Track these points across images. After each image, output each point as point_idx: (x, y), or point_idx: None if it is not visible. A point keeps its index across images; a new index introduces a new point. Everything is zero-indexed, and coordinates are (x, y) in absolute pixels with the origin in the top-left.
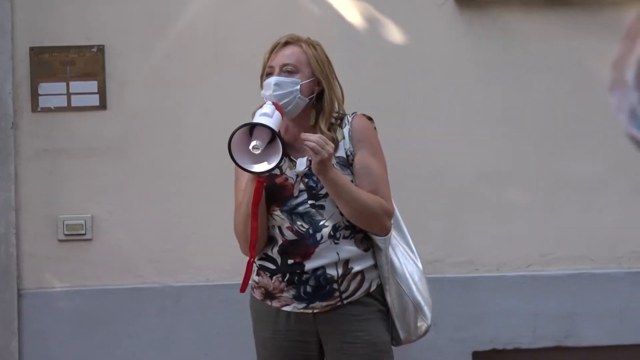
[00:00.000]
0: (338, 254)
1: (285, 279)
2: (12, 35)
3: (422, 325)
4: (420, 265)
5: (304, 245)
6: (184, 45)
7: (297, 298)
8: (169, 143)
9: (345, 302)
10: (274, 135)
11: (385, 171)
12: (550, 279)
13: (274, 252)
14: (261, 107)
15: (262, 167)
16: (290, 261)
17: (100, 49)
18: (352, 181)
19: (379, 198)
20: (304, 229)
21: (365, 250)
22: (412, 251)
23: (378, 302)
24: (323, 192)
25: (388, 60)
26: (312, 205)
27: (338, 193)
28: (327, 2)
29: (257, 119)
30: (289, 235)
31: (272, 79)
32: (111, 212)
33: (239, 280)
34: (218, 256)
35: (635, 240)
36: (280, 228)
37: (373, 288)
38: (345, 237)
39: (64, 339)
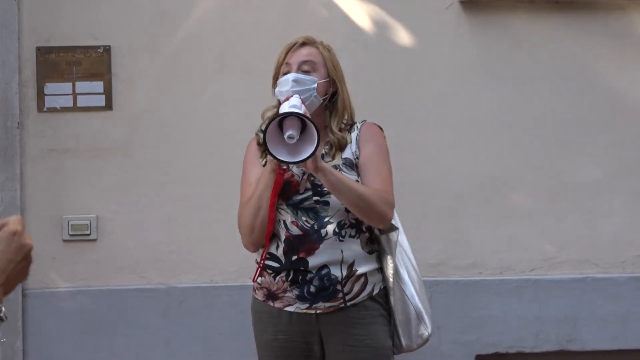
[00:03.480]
0: (342, 251)
1: (289, 279)
2: (19, 35)
3: (424, 333)
4: (419, 273)
5: (308, 241)
6: (190, 46)
7: (301, 298)
8: (175, 144)
9: (348, 304)
10: (303, 125)
11: (389, 172)
12: (554, 283)
13: (279, 251)
14: (286, 100)
15: (297, 156)
16: (294, 257)
17: (107, 49)
18: (357, 181)
19: (377, 189)
20: (308, 225)
21: (370, 252)
22: (411, 259)
23: (380, 306)
24: (326, 188)
25: (393, 63)
26: (316, 202)
27: (332, 183)
28: (333, 4)
29: (287, 110)
30: (294, 230)
31: (291, 75)
32: (116, 213)
33: (243, 281)
34: (222, 257)
35: (639, 245)
36: (285, 222)
37: (376, 292)
38: (351, 236)
39: (68, 339)
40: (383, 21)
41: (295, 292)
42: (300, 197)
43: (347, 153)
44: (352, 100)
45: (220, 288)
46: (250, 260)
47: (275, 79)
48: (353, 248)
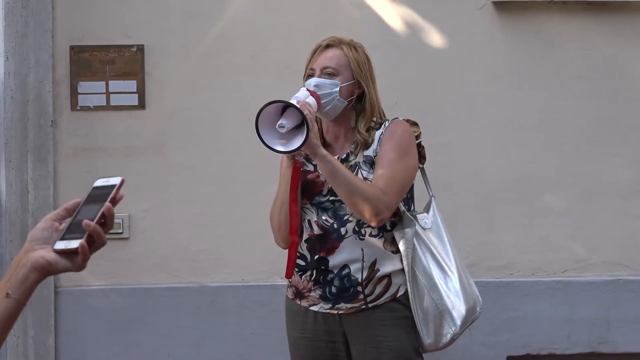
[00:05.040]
0: (362, 250)
1: (312, 278)
2: (53, 33)
3: (448, 333)
4: (455, 274)
5: (329, 240)
6: (222, 46)
7: (324, 298)
8: (207, 143)
9: (370, 305)
10: (303, 121)
11: (401, 172)
12: (586, 285)
13: (304, 249)
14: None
15: (284, 147)
16: (316, 256)
17: (140, 48)
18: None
19: (377, 186)
20: (328, 224)
21: (394, 252)
22: (449, 260)
23: (405, 308)
24: None
25: (426, 63)
26: (332, 202)
27: (327, 171)
28: (365, 5)
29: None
30: (316, 230)
31: (312, 80)
32: (148, 212)
33: (275, 281)
34: (254, 257)
35: None
36: (309, 222)
37: (400, 293)
38: (372, 235)
39: (99, 337)
40: (415, 22)
41: (319, 291)
42: (323, 198)
43: (370, 151)
44: (384, 100)
45: (251, 287)
46: (282, 259)
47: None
48: (374, 247)
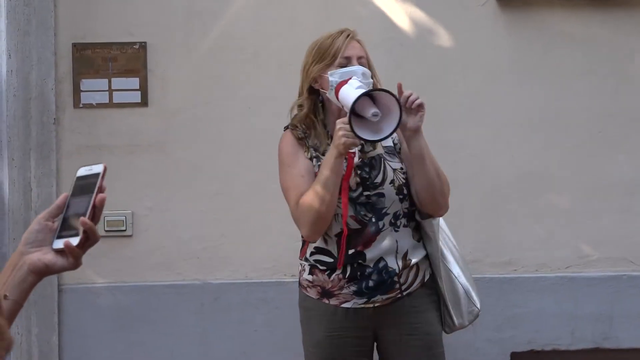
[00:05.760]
0: (397, 242)
1: (347, 275)
2: (55, 31)
3: (474, 309)
4: (460, 252)
5: (366, 234)
6: (225, 43)
7: (358, 294)
8: (210, 140)
9: (404, 294)
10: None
11: None
12: (589, 281)
13: (329, 245)
14: (344, 83)
15: (379, 134)
16: (351, 251)
17: (142, 45)
18: (402, 168)
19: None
20: (367, 218)
21: (418, 240)
22: (451, 239)
23: (432, 292)
24: (378, 180)
25: (429, 60)
26: (367, 197)
27: (425, 154)
28: (369, 2)
29: (359, 89)
30: (352, 224)
31: (359, 68)
32: (151, 209)
33: (278, 278)
34: (257, 254)
35: None
36: (341, 216)
37: (427, 278)
38: (404, 226)
39: (103, 334)
40: (418, 18)
41: (353, 288)
42: (355, 193)
43: (388, 141)
44: None
45: (255, 284)
46: (285, 256)
47: (321, 64)
48: (406, 237)
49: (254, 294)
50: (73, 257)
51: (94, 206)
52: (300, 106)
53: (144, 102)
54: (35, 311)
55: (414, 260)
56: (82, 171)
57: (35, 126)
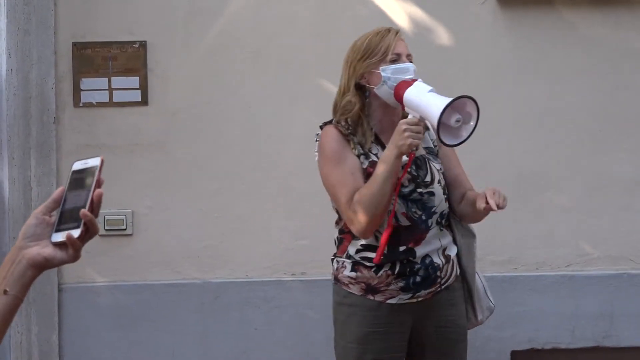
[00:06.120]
0: (440, 240)
1: (396, 272)
2: (55, 30)
3: (490, 305)
4: None
5: (417, 231)
6: (225, 42)
7: (405, 289)
8: (210, 139)
9: (442, 287)
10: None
11: None
12: (590, 279)
13: (379, 241)
14: (407, 85)
15: (457, 138)
16: (402, 247)
17: (142, 44)
18: (440, 169)
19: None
20: (417, 215)
21: (452, 237)
22: None
23: (461, 286)
24: (428, 179)
25: (429, 58)
26: (420, 194)
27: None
28: (368, 1)
29: (437, 95)
30: (403, 221)
31: (411, 65)
32: (151, 208)
33: (278, 277)
34: (257, 253)
35: None
36: (395, 213)
37: (458, 272)
38: (444, 225)
39: (103, 334)
40: (419, 17)
41: (400, 284)
42: (407, 189)
43: (427, 142)
44: None
45: (255, 283)
46: (286, 255)
47: (371, 60)
48: (446, 234)
49: (254, 292)
50: (73, 250)
51: (92, 200)
52: (348, 102)
53: (144, 101)
54: (35, 310)
55: (452, 255)
56: (78, 165)
57: (35, 125)
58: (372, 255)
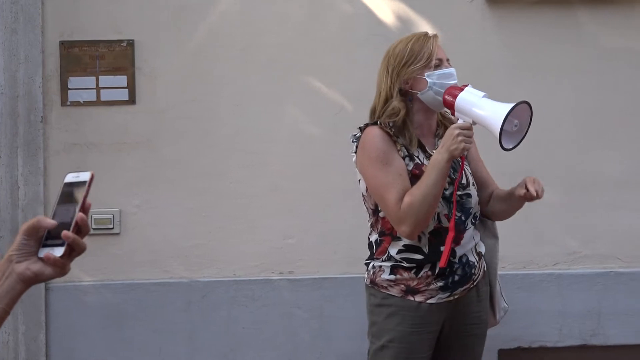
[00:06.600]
0: (474, 238)
1: (436, 272)
2: (42, 29)
3: (505, 306)
4: None
5: (457, 232)
6: (213, 41)
7: (444, 288)
8: (198, 138)
9: (475, 284)
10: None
11: None
12: (577, 278)
13: (422, 242)
14: (459, 90)
15: (512, 141)
16: (442, 247)
17: (130, 43)
18: (470, 171)
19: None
20: (457, 216)
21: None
22: None
23: (486, 282)
24: (464, 181)
25: None
26: (459, 196)
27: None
28: None
29: (491, 100)
30: (445, 223)
31: (453, 70)
32: (139, 207)
33: (266, 276)
34: (245, 251)
35: None
36: (438, 214)
37: (485, 268)
38: (477, 224)
39: (90, 333)
40: (406, 15)
41: (440, 284)
42: (448, 191)
43: None
44: (373, 94)
45: (242, 282)
46: (273, 254)
47: (416, 66)
48: (477, 232)
49: (242, 291)
50: (58, 267)
51: (77, 223)
52: (394, 108)
53: (132, 100)
54: (22, 309)
55: (482, 252)
56: (70, 178)
57: (22, 124)
58: (414, 256)
